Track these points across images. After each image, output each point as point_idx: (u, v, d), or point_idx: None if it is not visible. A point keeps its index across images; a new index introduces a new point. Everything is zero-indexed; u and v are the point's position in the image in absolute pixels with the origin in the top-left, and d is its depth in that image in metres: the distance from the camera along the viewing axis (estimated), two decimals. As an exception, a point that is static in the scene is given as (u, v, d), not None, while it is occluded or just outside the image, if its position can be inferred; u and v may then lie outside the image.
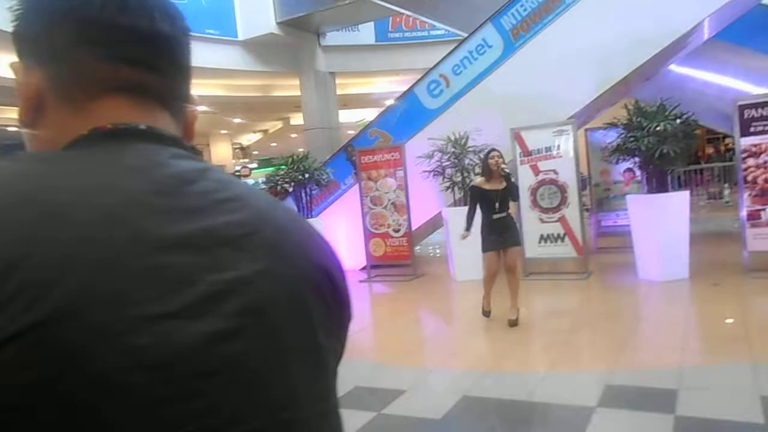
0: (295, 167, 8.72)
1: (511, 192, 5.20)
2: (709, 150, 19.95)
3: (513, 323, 5.03)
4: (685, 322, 5.04)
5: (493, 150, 5.35)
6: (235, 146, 23.57)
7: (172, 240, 0.48)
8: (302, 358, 0.54)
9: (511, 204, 5.32)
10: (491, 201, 5.16)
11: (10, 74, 0.59)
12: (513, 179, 5.31)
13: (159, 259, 0.47)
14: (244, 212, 0.54)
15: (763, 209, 6.07)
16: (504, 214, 5.18)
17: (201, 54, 11.25)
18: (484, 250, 5.24)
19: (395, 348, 5.01)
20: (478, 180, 5.44)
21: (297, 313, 0.54)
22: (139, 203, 0.49)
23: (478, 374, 4.04)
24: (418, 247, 10.22)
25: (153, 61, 0.57)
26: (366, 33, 13.87)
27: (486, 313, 5.35)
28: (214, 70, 12.02)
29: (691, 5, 6.61)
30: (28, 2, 0.57)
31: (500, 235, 5.13)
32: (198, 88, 13.56)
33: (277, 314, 0.52)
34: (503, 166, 5.18)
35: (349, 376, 3.87)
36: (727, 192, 14.08)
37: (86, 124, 0.54)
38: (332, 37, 13.44)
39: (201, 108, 15.59)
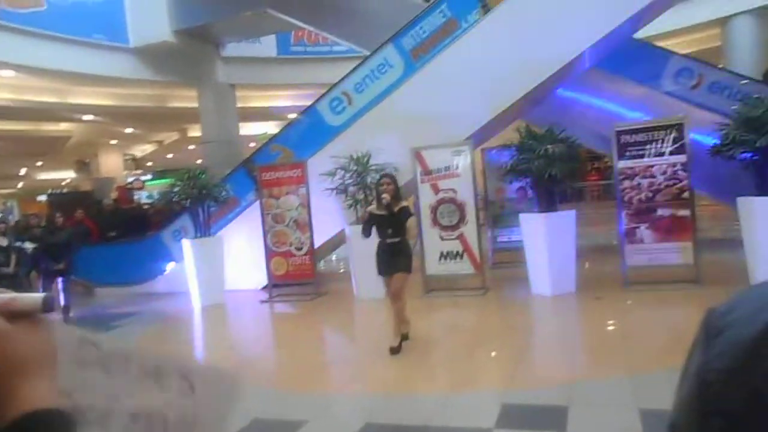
0: (191, 183, 8.30)
1: (400, 218, 4.98)
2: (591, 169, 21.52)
3: (395, 351, 4.88)
4: (572, 337, 5.34)
5: (384, 176, 5.24)
6: (126, 157, 22.18)
7: None
8: None
9: (412, 222, 5.13)
10: (383, 226, 5.03)
11: None
12: (396, 209, 4.96)
13: None
14: None
15: (638, 227, 6.61)
16: (397, 240, 4.97)
17: (87, 60, 10.51)
18: (379, 273, 5.14)
19: (296, 374, 4.88)
20: (371, 206, 5.35)
21: None
22: None
23: (379, 399, 4.02)
24: (322, 264, 10.12)
25: None
26: (268, 45, 13.61)
27: (395, 350, 4.90)
28: (102, 77, 11.26)
29: (575, 36, 7.13)
30: None
31: (388, 259, 5.00)
32: (84, 96, 12.63)
33: None
34: (384, 195, 4.96)
35: (247, 407, 3.70)
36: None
37: None
38: (233, 48, 13.06)
39: (88, 117, 14.52)
